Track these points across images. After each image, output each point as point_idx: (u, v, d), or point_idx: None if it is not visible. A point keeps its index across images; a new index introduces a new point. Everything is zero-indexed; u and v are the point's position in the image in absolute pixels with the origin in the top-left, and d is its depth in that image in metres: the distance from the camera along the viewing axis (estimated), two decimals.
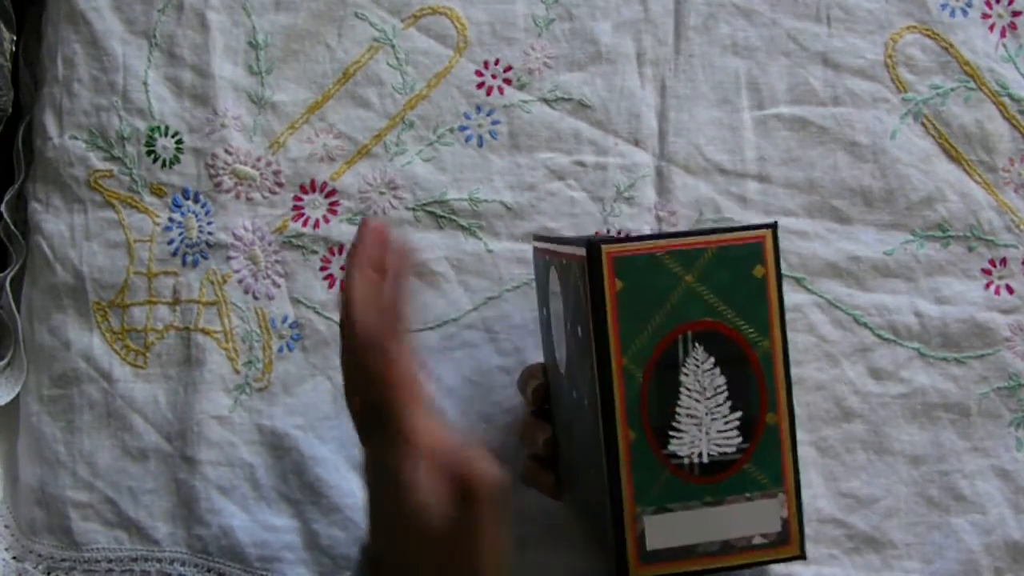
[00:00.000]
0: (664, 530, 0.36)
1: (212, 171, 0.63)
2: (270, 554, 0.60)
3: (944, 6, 0.66)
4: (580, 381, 0.40)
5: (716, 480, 0.37)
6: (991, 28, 0.66)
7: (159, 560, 0.61)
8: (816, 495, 0.62)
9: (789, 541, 0.38)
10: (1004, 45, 0.67)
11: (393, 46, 0.64)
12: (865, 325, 0.64)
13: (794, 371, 0.63)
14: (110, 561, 0.61)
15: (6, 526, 0.62)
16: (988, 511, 0.63)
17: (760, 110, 0.65)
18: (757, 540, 0.37)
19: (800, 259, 0.64)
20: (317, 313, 0.62)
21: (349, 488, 0.60)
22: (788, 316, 0.63)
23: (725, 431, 0.37)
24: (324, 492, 0.61)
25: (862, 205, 0.65)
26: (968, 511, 0.63)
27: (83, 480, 0.61)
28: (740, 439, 0.37)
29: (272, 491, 0.61)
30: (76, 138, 0.63)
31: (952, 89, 0.66)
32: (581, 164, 0.64)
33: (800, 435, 0.62)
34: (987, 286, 0.65)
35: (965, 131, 0.65)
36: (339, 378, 0.62)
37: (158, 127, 0.63)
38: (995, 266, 0.65)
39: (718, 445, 0.37)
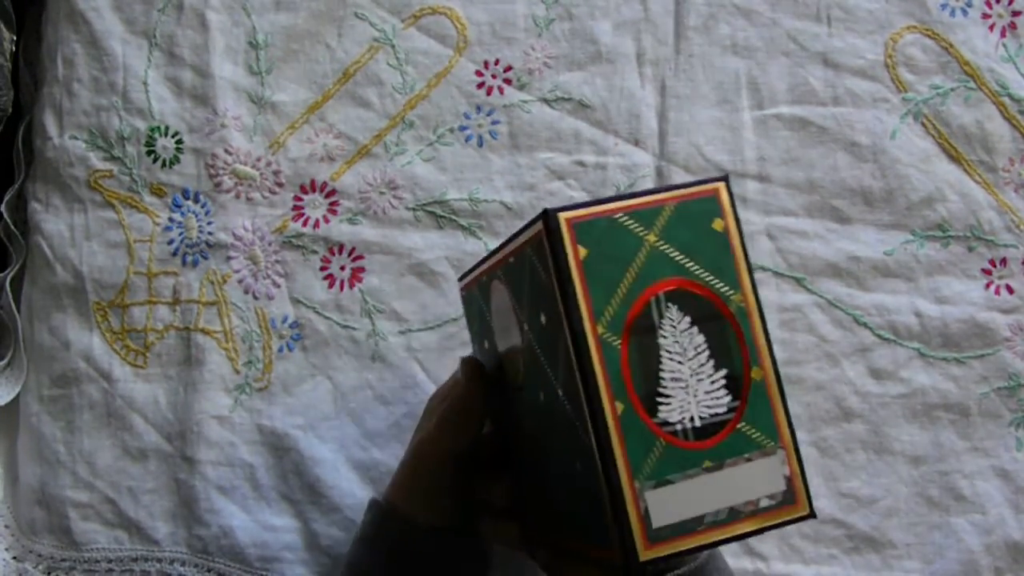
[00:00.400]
0: (668, 504, 0.34)
1: (212, 171, 0.63)
2: (270, 554, 0.60)
3: (944, 6, 0.66)
4: (547, 378, 0.38)
5: (713, 443, 0.35)
6: (991, 28, 0.66)
7: (159, 560, 0.61)
8: (816, 495, 0.62)
9: (796, 500, 0.36)
10: (1004, 45, 0.67)
11: (393, 46, 0.64)
12: (865, 325, 0.64)
13: (794, 371, 0.63)
14: (110, 561, 0.61)
15: (6, 526, 0.62)
16: (988, 511, 0.63)
17: (760, 110, 0.65)
18: (764, 502, 0.36)
19: (800, 259, 0.64)
20: (317, 313, 0.62)
21: (349, 488, 0.60)
22: (788, 316, 0.63)
23: (713, 391, 0.36)
24: (324, 492, 0.61)
25: (862, 205, 0.65)
26: (968, 511, 0.63)
27: (83, 480, 0.61)
28: (729, 398, 0.36)
29: (272, 491, 0.61)
30: (76, 138, 0.63)
31: (952, 89, 0.66)
32: (581, 164, 0.64)
33: (800, 435, 0.63)
34: (987, 286, 0.65)
35: (965, 131, 0.65)
36: (339, 378, 0.62)
37: (158, 127, 0.63)
38: (995, 266, 0.65)
39: (708, 407, 0.36)
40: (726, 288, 0.36)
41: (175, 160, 0.63)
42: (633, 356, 0.35)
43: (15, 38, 0.64)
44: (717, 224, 0.37)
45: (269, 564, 0.60)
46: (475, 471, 0.49)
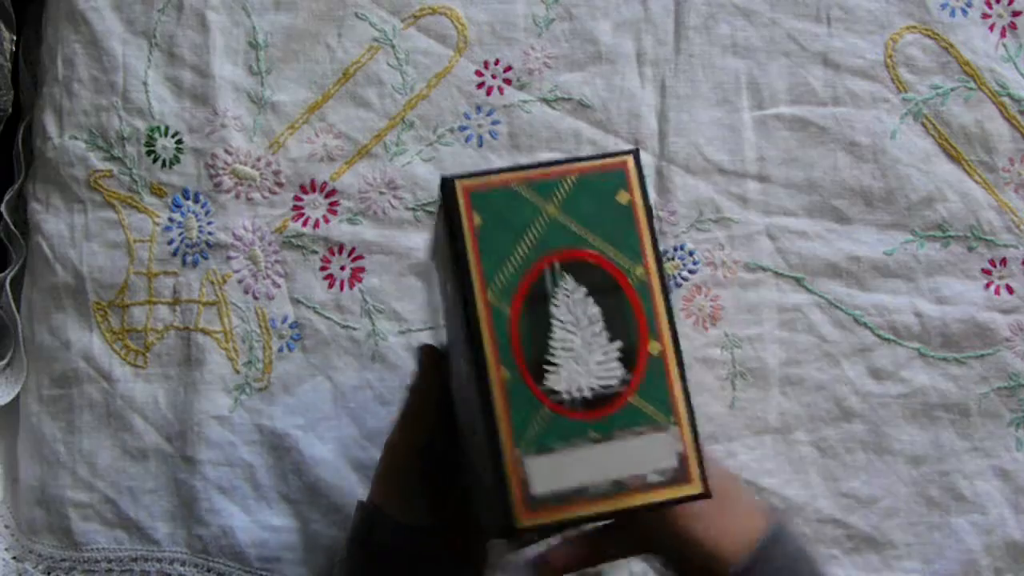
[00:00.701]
0: (550, 472, 0.34)
1: (212, 171, 0.63)
2: (270, 554, 0.60)
3: (944, 6, 0.66)
4: (459, 348, 0.38)
5: (601, 415, 0.35)
6: (991, 28, 0.66)
7: (159, 560, 0.61)
8: (816, 495, 0.62)
9: (689, 478, 0.35)
10: (1004, 45, 0.67)
11: (393, 46, 0.64)
12: (865, 325, 0.64)
13: (794, 371, 0.63)
14: (110, 561, 0.61)
15: (6, 526, 0.62)
16: (988, 511, 0.63)
17: (760, 110, 0.65)
18: (652, 478, 0.35)
19: (800, 259, 0.64)
20: (317, 313, 0.62)
21: (349, 488, 0.60)
22: (788, 316, 0.63)
23: (605, 363, 0.35)
24: (324, 492, 0.61)
25: (862, 205, 0.65)
26: (968, 511, 0.63)
27: (83, 480, 0.61)
28: (622, 370, 0.35)
29: (272, 491, 0.61)
30: (76, 138, 0.63)
31: (952, 89, 0.66)
32: None
33: (800, 435, 0.63)
34: (987, 286, 0.65)
35: (965, 131, 0.65)
36: (339, 378, 0.62)
37: (158, 127, 0.63)
38: (995, 266, 0.65)
39: (599, 378, 0.35)
40: (627, 261, 0.36)
41: (175, 160, 0.63)
42: (524, 324, 0.35)
43: (15, 38, 0.64)
44: (622, 197, 0.36)
45: (269, 564, 0.60)
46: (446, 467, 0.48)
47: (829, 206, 0.64)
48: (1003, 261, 0.65)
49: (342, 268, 0.63)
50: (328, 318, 0.62)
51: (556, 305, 0.35)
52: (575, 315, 0.35)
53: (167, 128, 0.63)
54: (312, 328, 0.62)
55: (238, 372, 0.62)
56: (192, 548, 0.61)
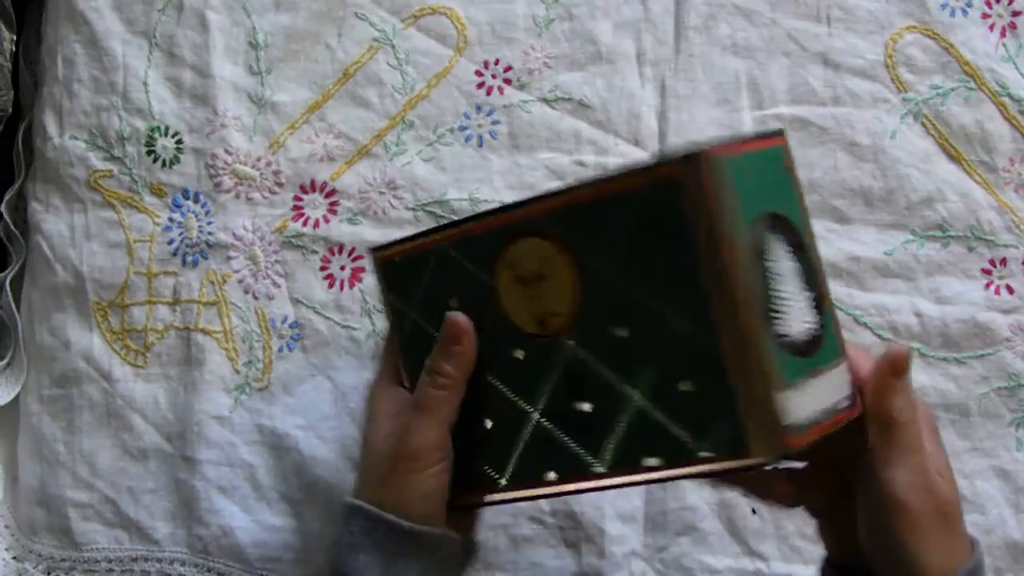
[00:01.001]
0: (792, 405, 0.38)
1: (212, 171, 0.63)
2: (270, 554, 0.60)
3: (944, 6, 0.66)
4: (644, 308, 0.41)
5: (813, 354, 0.40)
6: (991, 28, 0.66)
7: (159, 560, 0.61)
8: None
9: (858, 402, 0.42)
10: (1004, 45, 0.67)
11: (393, 46, 0.64)
12: (865, 325, 0.64)
13: None
14: (110, 561, 0.61)
15: (6, 526, 0.62)
16: (988, 511, 0.63)
17: (760, 110, 0.65)
18: (842, 404, 0.41)
19: None
20: (317, 313, 0.62)
21: (349, 488, 0.60)
22: None
23: (806, 309, 0.40)
24: (324, 492, 0.61)
25: (862, 205, 0.65)
26: (968, 511, 0.62)
27: (83, 480, 0.61)
28: (816, 315, 0.41)
29: (272, 491, 0.61)
30: (76, 138, 0.63)
31: (952, 89, 0.66)
32: (581, 164, 0.64)
33: None
34: (987, 286, 0.65)
35: (965, 131, 0.65)
36: (339, 378, 0.62)
37: (158, 127, 0.63)
38: (995, 266, 0.65)
39: (805, 323, 0.40)
40: (801, 221, 0.41)
41: (175, 160, 0.63)
42: (755, 276, 0.39)
43: (15, 38, 0.64)
44: (788, 167, 0.42)
45: (269, 564, 0.60)
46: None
47: (829, 206, 0.64)
48: (1003, 261, 0.65)
49: (342, 268, 0.63)
50: (328, 318, 0.62)
51: (772, 260, 0.39)
52: (784, 269, 0.40)
53: (167, 128, 0.63)
54: (312, 328, 0.62)
55: (238, 372, 0.62)
56: (192, 548, 0.61)
